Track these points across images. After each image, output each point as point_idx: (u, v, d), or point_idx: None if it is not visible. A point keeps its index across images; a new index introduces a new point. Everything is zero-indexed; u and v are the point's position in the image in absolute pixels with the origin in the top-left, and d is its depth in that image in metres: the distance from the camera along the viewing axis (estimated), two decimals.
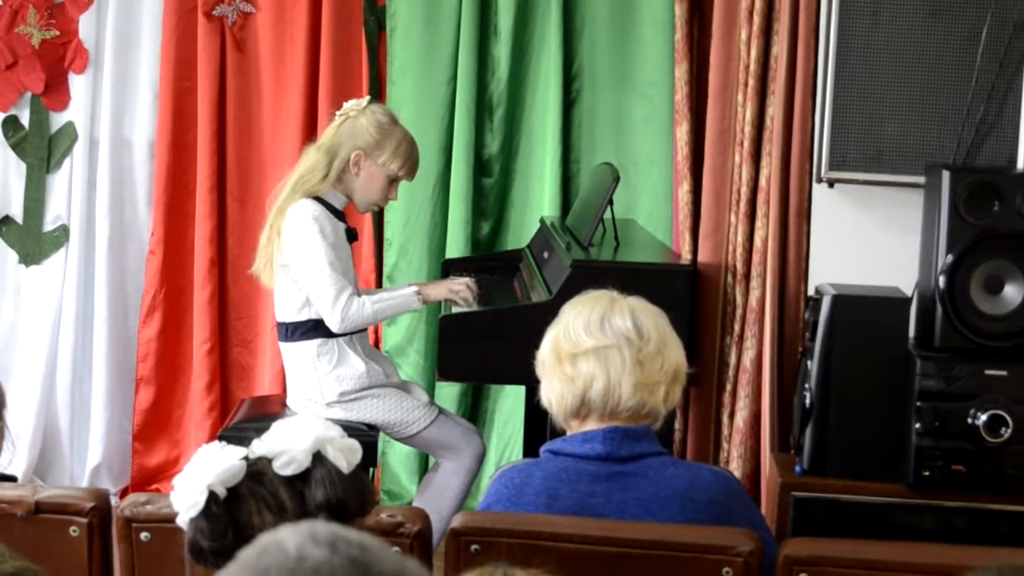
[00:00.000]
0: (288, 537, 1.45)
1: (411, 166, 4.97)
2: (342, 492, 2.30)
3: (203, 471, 2.28)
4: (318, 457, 2.31)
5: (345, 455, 2.33)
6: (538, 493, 3.07)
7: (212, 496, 2.27)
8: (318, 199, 4.84)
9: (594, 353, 3.07)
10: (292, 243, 4.78)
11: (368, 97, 5.14)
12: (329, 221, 4.81)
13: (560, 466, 3.09)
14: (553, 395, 3.13)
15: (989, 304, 4.04)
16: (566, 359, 3.10)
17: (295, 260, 4.79)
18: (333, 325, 4.78)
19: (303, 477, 2.30)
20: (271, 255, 4.86)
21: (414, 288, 4.97)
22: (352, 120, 4.91)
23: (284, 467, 2.29)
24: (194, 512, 2.27)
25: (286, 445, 2.31)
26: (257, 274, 4.96)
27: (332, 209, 4.87)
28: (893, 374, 4.05)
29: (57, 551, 3.20)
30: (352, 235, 4.99)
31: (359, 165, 4.88)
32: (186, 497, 2.28)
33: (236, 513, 2.27)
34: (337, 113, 5.00)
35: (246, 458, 2.32)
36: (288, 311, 4.89)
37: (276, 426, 2.36)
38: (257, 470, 2.31)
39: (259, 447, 2.33)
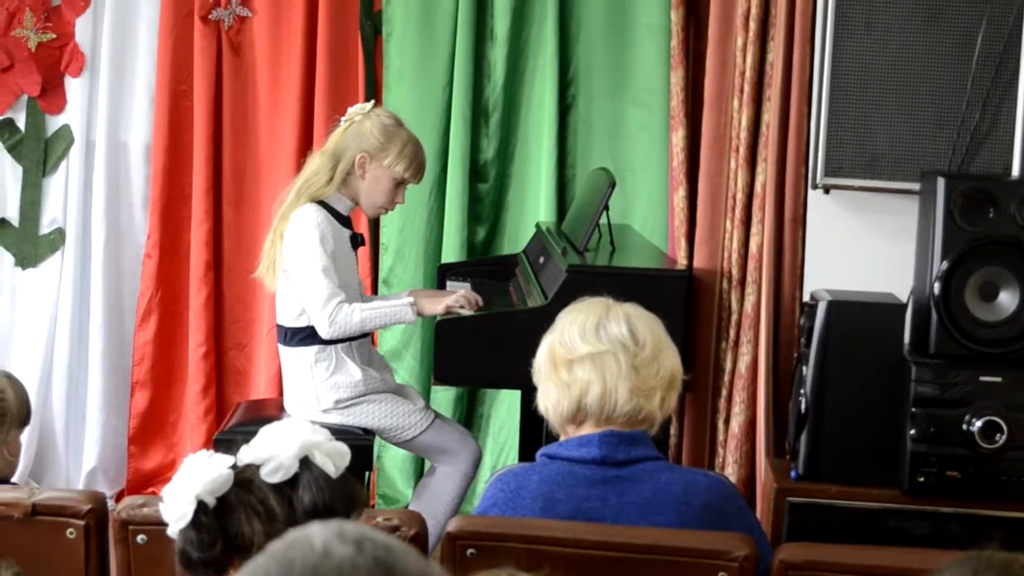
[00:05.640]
0: (316, 532, 1.47)
1: (417, 168, 4.95)
2: (329, 497, 2.29)
3: (191, 481, 2.27)
4: (305, 462, 2.31)
5: (333, 459, 2.32)
6: (534, 497, 3.08)
7: (201, 506, 2.26)
8: (323, 204, 4.84)
9: (590, 359, 3.08)
10: (291, 248, 4.78)
11: (372, 102, 5.13)
12: (331, 227, 4.80)
13: (556, 470, 3.09)
14: (549, 401, 3.14)
15: (984, 311, 4.05)
16: (562, 365, 3.11)
17: (293, 265, 4.79)
18: (321, 331, 4.77)
19: (291, 482, 2.30)
20: (274, 259, 4.85)
21: (410, 300, 4.94)
22: (357, 124, 4.90)
23: (271, 474, 2.28)
24: (183, 523, 2.27)
25: (273, 452, 2.30)
26: (260, 278, 4.95)
27: (337, 215, 4.86)
28: (888, 380, 4.06)
29: (54, 553, 3.21)
30: (358, 241, 4.99)
31: (364, 168, 4.87)
32: (175, 508, 2.28)
33: (225, 522, 2.27)
34: (342, 119, 4.98)
35: (234, 466, 2.31)
36: (288, 315, 4.89)
37: (263, 432, 2.35)
38: (245, 478, 2.30)
39: (246, 454, 2.33)
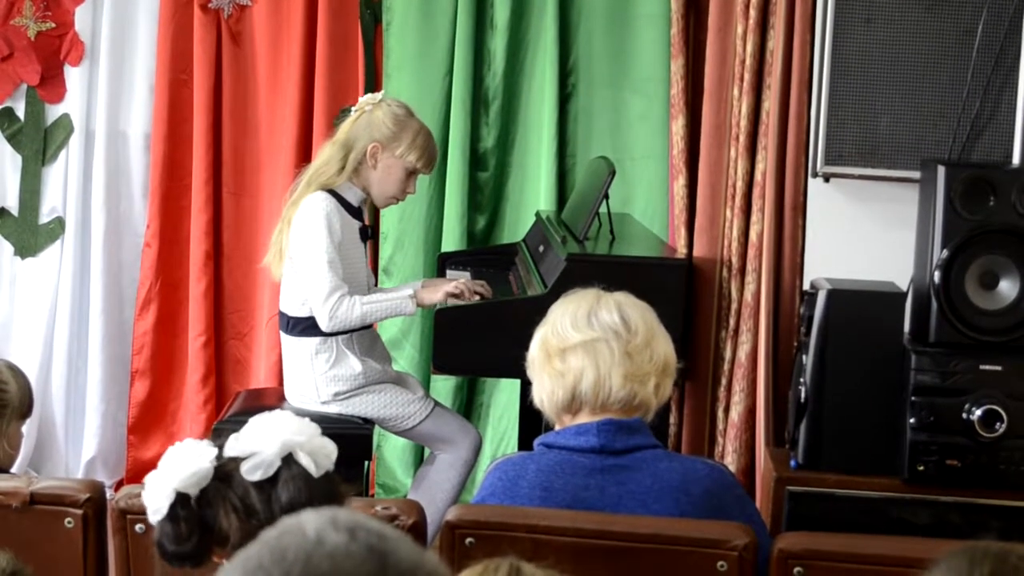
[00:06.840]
0: (309, 520, 1.46)
1: (429, 158, 4.95)
2: (308, 496, 2.27)
3: (170, 474, 2.27)
4: (288, 460, 2.29)
5: (316, 458, 2.31)
6: (532, 486, 3.07)
7: (179, 498, 2.26)
8: (334, 193, 4.83)
9: (582, 347, 3.08)
10: (298, 235, 4.77)
11: (383, 92, 5.11)
12: (340, 216, 4.79)
13: (554, 459, 3.09)
14: (544, 392, 3.13)
15: (984, 299, 4.04)
16: (555, 355, 3.11)
17: (298, 253, 4.78)
18: (322, 323, 4.76)
19: (273, 479, 2.28)
20: (281, 245, 4.85)
21: (409, 292, 4.93)
22: (368, 114, 4.90)
23: (251, 472, 2.27)
24: (159, 516, 2.26)
25: (255, 448, 2.29)
26: (268, 266, 4.95)
27: (347, 205, 4.85)
28: (888, 369, 4.05)
29: (52, 542, 3.21)
30: (367, 234, 4.98)
31: (376, 157, 4.87)
32: (153, 500, 2.27)
33: (203, 515, 2.26)
34: (352, 109, 4.99)
35: (219, 456, 2.30)
36: (291, 304, 4.88)
37: (252, 424, 2.34)
38: (226, 472, 2.30)
39: (232, 446, 2.31)
